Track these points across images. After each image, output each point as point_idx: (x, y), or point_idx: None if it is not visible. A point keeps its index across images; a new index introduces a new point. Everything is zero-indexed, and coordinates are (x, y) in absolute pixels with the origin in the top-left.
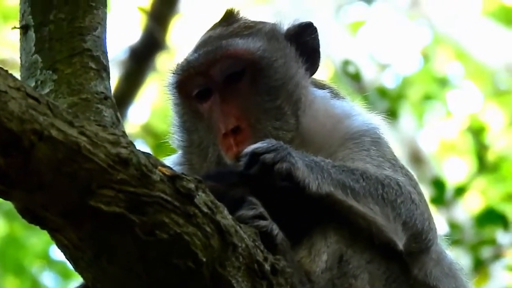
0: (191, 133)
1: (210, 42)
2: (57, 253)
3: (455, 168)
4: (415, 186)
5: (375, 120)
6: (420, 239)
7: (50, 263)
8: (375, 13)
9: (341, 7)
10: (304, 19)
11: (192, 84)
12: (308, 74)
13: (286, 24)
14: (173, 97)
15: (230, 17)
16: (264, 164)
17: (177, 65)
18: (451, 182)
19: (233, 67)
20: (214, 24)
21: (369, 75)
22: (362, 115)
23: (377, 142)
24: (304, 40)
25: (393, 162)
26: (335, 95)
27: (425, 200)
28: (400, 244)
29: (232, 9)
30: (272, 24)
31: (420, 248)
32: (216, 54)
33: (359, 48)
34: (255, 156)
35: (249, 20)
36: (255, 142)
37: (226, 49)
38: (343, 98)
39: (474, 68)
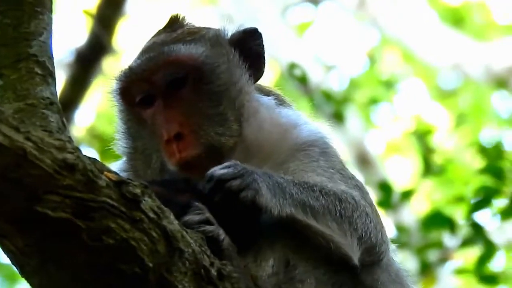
0: (135, 140)
1: (153, 48)
2: (3, 257)
3: (401, 170)
4: (366, 197)
5: (322, 129)
6: (374, 252)
7: None
8: (322, 14)
9: (287, 8)
10: (250, 20)
11: (135, 91)
12: (252, 80)
13: (231, 29)
14: (117, 104)
15: (174, 23)
16: (229, 192)
17: (120, 71)
18: (398, 185)
19: (176, 73)
20: (159, 31)
21: (316, 77)
22: (309, 124)
23: (326, 152)
24: (248, 46)
25: (343, 173)
26: (281, 102)
27: (376, 212)
28: (356, 259)
29: (176, 15)
30: (217, 29)
31: (373, 260)
32: (158, 60)
33: (306, 50)
34: (220, 182)
35: (194, 26)
36: (198, 148)
37: (168, 55)
38: (289, 105)
39: (421, 68)
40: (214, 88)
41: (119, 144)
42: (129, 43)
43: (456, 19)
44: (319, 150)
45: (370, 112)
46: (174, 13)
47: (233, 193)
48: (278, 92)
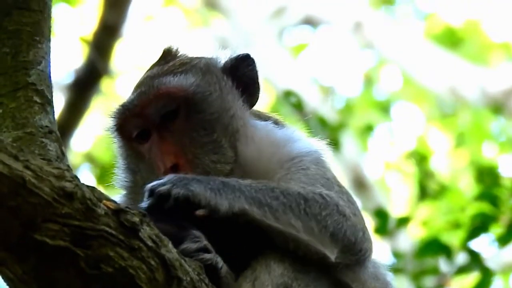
0: (134, 174)
1: (144, 83)
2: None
3: (398, 193)
4: (350, 200)
5: (316, 144)
6: (355, 250)
7: None
8: (319, 36)
9: (283, 30)
10: (245, 42)
11: (130, 126)
12: (248, 105)
13: (223, 57)
14: (115, 140)
15: (167, 55)
16: (160, 196)
17: (114, 108)
18: (395, 210)
19: (167, 106)
20: (152, 64)
21: (312, 100)
22: (303, 140)
23: (318, 162)
24: (241, 72)
25: (331, 180)
26: (278, 124)
27: (359, 213)
28: (332, 257)
29: (169, 47)
30: (209, 58)
31: (357, 260)
32: (149, 94)
33: (302, 72)
34: (152, 192)
35: (186, 57)
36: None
37: (158, 88)
38: (286, 126)
39: (418, 91)
40: (206, 116)
41: (119, 179)
42: (125, 65)
43: (453, 42)
44: (311, 159)
45: (366, 136)
46: (167, 46)
47: (165, 196)
48: (277, 117)
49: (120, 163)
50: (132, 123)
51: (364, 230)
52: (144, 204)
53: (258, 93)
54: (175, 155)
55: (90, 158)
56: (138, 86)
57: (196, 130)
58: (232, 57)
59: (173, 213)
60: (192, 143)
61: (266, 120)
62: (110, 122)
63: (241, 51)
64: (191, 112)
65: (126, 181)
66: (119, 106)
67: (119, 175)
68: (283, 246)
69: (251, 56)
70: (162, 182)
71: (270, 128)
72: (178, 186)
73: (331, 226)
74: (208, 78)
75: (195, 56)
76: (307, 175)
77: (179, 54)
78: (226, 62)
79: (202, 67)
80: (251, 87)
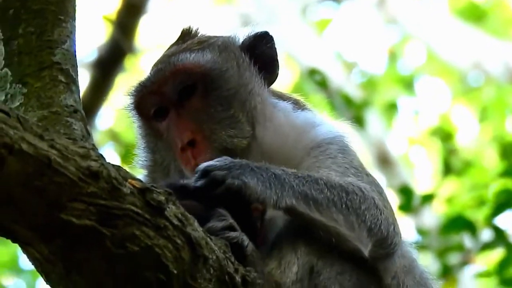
0: (154, 153)
1: (161, 61)
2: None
3: (422, 169)
4: (381, 191)
5: (340, 128)
6: (386, 244)
7: (19, 272)
8: (342, 12)
9: (307, 6)
10: (270, 19)
11: (147, 104)
12: (266, 83)
13: (242, 35)
14: (134, 119)
15: (186, 35)
16: (213, 180)
17: (132, 87)
18: (419, 186)
19: (184, 82)
20: (171, 44)
21: (336, 77)
22: (327, 124)
23: (344, 150)
24: (260, 50)
25: (359, 169)
26: (300, 106)
27: (390, 205)
28: (366, 251)
29: (188, 28)
30: (227, 37)
31: (387, 253)
32: (165, 71)
33: (326, 48)
34: (206, 173)
35: (204, 36)
36: (212, 154)
37: (175, 65)
38: (307, 108)
39: (442, 66)
40: (223, 92)
41: (140, 159)
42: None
43: (477, 16)
44: (337, 147)
45: (390, 113)
46: (185, 26)
47: (218, 182)
48: (298, 97)
49: (139, 142)
50: (149, 101)
51: (394, 223)
52: (195, 182)
53: (277, 71)
54: (192, 131)
55: (114, 137)
56: (156, 64)
57: (213, 106)
58: (250, 35)
59: (221, 198)
60: (209, 119)
61: (286, 101)
62: (128, 100)
63: (260, 28)
64: (208, 88)
65: (145, 160)
66: (137, 84)
67: (139, 155)
68: (324, 238)
69: (270, 33)
70: (219, 166)
71: (290, 109)
72: (233, 174)
73: (368, 220)
74: (225, 55)
75: (213, 35)
76: (336, 163)
77: (197, 34)
78: (244, 40)
79: (219, 44)
80: (270, 65)
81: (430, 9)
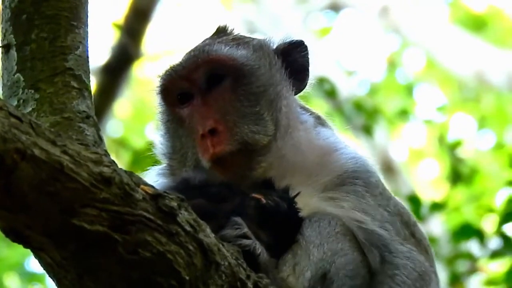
0: (174, 139)
1: (195, 49)
2: (33, 265)
3: (426, 176)
4: (427, 252)
5: (361, 153)
6: None
7: (25, 275)
8: (343, 20)
9: (309, 14)
10: (272, 26)
11: (175, 89)
12: (294, 89)
13: (277, 40)
14: (158, 105)
15: (221, 32)
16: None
17: (163, 70)
18: (425, 195)
19: (215, 72)
20: (205, 38)
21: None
22: (348, 148)
23: (370, 183)
24: (293, 57)
25: (389, 210)
26: (320, 122)
27: (435, 269)
28: None
29: (224, 25)
30: (262, 39)
31: None
32: (198, 58)
33: (327, 55)
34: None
35: (240, 35)
36: (231, 144)
37: (208, 54)
38: (329, 126)
39: (442, 75)
40: (252, 88)
41: (159, 146)
42: (157, 48)
43: (477, 26)
44: (363, 183)
45: (396, 121)
46: (221, 23)
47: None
48: (320, 113)
49: (160, 130)
50: (177, 85)
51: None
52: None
53: (307, 81)
54: (216, 120)
55: (121, 144)
56: (188, 52)
57: (240, 101)
58: (285, 41)
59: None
60: (235, 112)
61: (309, 113)
62: (157, 83)
63: (294, 37)
64: (237, 82)
65: (165, 147)
66: (167, 68)
67: (159, 143)
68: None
69: (305, 43)
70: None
71: (313, 125)
72: None
73: None
74: (259, 54)
75: (249, 36)
76: (369, 205)
77: (233, 32)
78: (279, 45)
79: (254, 44)
80: (300, 73)
81: (431, 18)
